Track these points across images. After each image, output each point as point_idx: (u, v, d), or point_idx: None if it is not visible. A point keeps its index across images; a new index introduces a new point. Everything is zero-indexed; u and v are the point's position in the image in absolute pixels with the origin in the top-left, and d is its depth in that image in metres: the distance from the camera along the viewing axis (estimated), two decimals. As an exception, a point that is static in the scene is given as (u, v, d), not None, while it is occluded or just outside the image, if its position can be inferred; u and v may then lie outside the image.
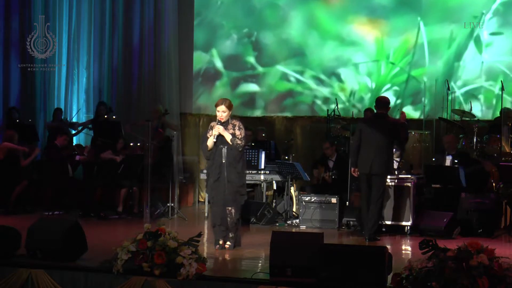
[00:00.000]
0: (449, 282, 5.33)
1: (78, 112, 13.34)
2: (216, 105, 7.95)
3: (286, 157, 11.62)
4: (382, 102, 8.99)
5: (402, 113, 9.20)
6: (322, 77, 12.68)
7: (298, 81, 12.88)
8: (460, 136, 10.89)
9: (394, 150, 9.51)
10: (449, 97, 11.68)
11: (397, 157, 9.69)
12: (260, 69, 13.01)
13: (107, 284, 6.31)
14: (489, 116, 11.82)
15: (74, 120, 13.20)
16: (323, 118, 12.42)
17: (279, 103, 13.00)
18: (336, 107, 12.06)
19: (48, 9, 13.47)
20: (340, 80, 12.63)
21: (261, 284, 5.98)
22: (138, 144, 11.63)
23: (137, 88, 13.34)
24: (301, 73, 12.79)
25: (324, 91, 12.73)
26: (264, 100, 13.08)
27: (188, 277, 6.04)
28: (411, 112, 12.21)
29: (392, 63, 12.43)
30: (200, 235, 6.40)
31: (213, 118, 10.90)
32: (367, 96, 12.49)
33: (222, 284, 6.12)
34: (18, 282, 6.42)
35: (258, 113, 13.03)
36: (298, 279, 6.01)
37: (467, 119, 11.33)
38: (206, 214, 10.76)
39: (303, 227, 9.90)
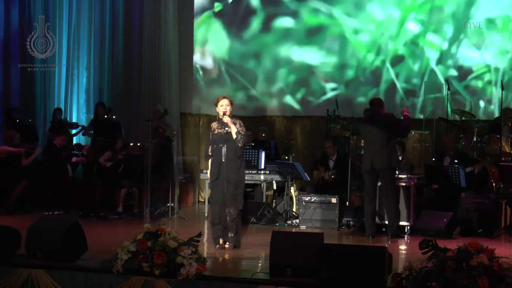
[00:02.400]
0: (449, 282, 5.33)
1: (77, 118, 13.37)
2: (218, 101, 7.94)
3: (286, 157, 11.62)
4: (376, 103, 9.23)
5: (405, 109, 9.34)
6: (351, 10, 13.04)
7: (328, 16, 13.11)
8: (460, 136, 10.88)
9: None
10: (449, 96, 11.70)
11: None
12: (292, 6, 13.28)
13: (107, 284, 6.31)
14: (505, 47, 12.12)
15: (74, 120, 13.21)
16: (323, 117, 12.42)
17: (310, 37, 13.19)
18: (337, 107, 12.06)
19: (48, 9, 13.48)
20: (367, 12, 12.94)
21: (261, 284, 5.98)
22: (138, 144, 11.63)
23: (137, 88, 13.33)
24: (331, 7, 13.14)
25: (353, 23, 13.04)
26: (296, 35, 13.26)
27: (188, 277, 6.04)
28: (433, 39, 12.56)
29: None
30: (200, 235, 6.40)
31: (212, 118, 10.94)
32: (393, 27, 12.83)
33: (222, 284, 6.12)
34: (18, 282, 6.42)
35: (291, 44, 13.26)
36: (298, 279, 6.01)
37: (467, 119, 11.33)
38: (206, 214, 10.77)
39: (303, 227, 9.91)
